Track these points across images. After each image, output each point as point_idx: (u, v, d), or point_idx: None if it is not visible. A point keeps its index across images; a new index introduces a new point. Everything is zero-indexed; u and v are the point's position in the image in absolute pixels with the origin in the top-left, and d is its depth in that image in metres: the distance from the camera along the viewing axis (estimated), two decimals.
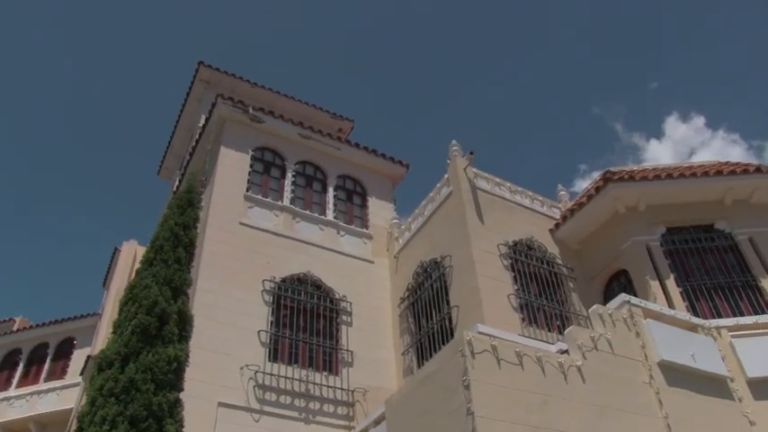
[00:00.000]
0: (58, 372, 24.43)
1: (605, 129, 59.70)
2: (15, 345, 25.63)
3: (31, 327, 26.15)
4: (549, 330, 14.26)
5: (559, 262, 15.84)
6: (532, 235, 15.93)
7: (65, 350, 25.04)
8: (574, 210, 16.06)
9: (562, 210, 17.07)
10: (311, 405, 14.49)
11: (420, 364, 14.84)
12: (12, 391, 24.08)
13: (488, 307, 13.55)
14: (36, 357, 25.16)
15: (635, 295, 12.68)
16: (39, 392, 23.80)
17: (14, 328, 27.07)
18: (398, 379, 15.71)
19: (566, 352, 10.24)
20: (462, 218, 15.19)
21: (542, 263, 15.54)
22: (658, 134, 60.13)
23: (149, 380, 7.96)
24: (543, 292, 14.99)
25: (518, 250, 15.34)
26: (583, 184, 42.12)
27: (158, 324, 8.57)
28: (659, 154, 56.85)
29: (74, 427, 7.92)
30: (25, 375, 24.70)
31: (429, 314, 15.60)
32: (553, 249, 16.03)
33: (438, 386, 9.54)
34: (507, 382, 9.12)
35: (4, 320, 28.30)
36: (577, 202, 16.27)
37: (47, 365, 24.71)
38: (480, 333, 9.69)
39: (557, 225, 16.43)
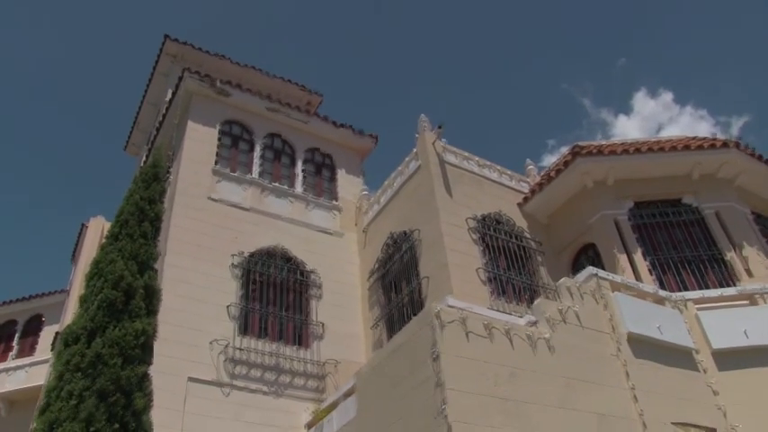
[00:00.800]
0: (27, 349, 24.27)
1: (574, 104, 59.87)
2: None
3: None
4: (518, 303, 14.36)
5: (528, 236, 15.93)
6: (501, 209, 15.99)
7: (33, 327, 24.87)
8: (542, 184, 16.12)
9: (531, 184, 17.12)
10: (282, 378, 14.49)
11: (390, 337, 14.84)
12: None
13: (457, 280, 13.59)
14: (4, 335, 24.95)
15: (603, 269, 12.81)
16: (7, 370, 23.62)
17: None
18: (368, 352, 15.73)
19: (534, 324, 10.32)
20: (431, 192, 15.17)
21: (511, 237, 15.61)
22: (627, 110, 60.48)
23: (116, 354, 7.88)
24: (512, 265, 15.08)
25: (487, 224, 15.37)
26: (551, 160, 42.08)
27: (124, 298, 8.46)
28: (628, 129, 57.14)
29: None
30: None
31: (398, 287, 15.64)
32: (522, 223, 16.12)
33: (407, 358, 9.57)
34: (476, 354, 9.17)
35: None
36: (546, 176, 16.32)
37: (15, 343, 24.52)
38: (449, 306, 9.72)
39: (525, 199, 16.49)
